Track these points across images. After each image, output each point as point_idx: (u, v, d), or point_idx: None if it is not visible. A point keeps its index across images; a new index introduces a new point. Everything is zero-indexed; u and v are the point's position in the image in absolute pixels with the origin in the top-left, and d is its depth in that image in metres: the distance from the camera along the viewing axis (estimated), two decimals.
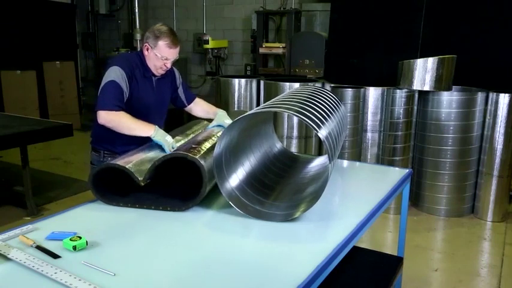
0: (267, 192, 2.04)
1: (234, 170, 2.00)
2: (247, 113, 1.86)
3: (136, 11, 8.04)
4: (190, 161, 1.90)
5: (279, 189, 2.11)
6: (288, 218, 1.80)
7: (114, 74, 2.36)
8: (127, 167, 1.92)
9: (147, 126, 2.33)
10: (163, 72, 2.53)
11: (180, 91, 2.78)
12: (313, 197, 1.84)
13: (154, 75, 2.55)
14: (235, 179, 1.97)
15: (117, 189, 1.99)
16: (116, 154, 2.39)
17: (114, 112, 2.32)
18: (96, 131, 2.60)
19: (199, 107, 2.84)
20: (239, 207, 1.85)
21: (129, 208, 1.93)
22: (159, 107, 2.63)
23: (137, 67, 2.48)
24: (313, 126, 1.75)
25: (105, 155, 2.58)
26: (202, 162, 1.89)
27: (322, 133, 1.77)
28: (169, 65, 2.50)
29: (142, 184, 1.92)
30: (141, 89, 2.49)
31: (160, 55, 2.43)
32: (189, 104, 2.83)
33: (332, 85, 4.60)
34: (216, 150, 1.85)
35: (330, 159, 1.76)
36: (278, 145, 2.60)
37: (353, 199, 2.12)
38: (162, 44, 2.41)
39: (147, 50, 2.47)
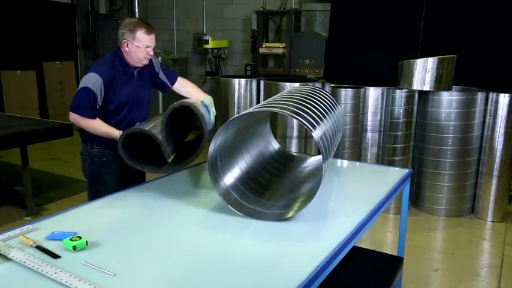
0: (263, 192, 2.04)
1: (230, 170, 2.00)
2: (243, 113, 1.87)
3: (137, 11, 8.04)
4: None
5: (275, 188, 2.12)
6: (283, 217, 1.80)
7: (91, 81, 2.47)
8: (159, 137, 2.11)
9: (110, 131, 2.52)
10: (147, 62, 2.62)
11: (162, 75, 2.84)
12: (308, 196, 1.85)
13: (136, 68, 2.64)
14: (230, 178, 1.97)
15: (137, 152, 2.16)
16: (98, 146, 2.64)
17: (84, 119, 2.50)
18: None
19: (183, 89, 2.90)
20: (235, 207, 1.85)
21: (129, 208, 1.93)
22: (140, 98, 2.73)
23: (116, 68, 2.57)
24: (307, 126, 1.76)
25: (91, 146, 2.68)
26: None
27: (317, 133, 1.78)
28: (152, 53, 2.59)
29: (169, 161, 2.16)
30: (123, 88, 2.59)
31: (142, 44, 2.53)
32: (173, 85, 2.89)
33: (332, 85, 4.59)
34: (211, 150, 1.85)
35: (324, 158, 1.76)
36: (274, 144, 2.60)
37: (353, 199, 2.12)
38: (140, 33, 2.52)
39: (127, 45, 2.56)
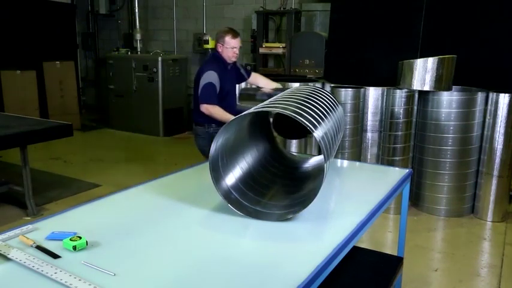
0: (264, 192, 2.04)
1: (231, 170, 2.00)
2: (244, 113, 1.87)
3: (136, 11, 8.04)
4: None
5: (276, 188, 2.12)
6: (284, 217, 1.80)
7: (212, 77, 3.44)
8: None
9: (228, 117, 3.38)
10: (235, 59, 3.63)
11: (242, 71, 3.89)
12: (309, 197, 1.84)
13: (230, 65, 3.64)
14: (231, 178, 1.97)
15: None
16: (215, 125, 3.53)
17: (212, 106, 3.44)
18: (201, 113, 3.53)
19: (259, 80, 3.93)
20: (236, 207, 1.85)
21: (129, 208, 1.93)
22: (234, 88, 3.78)
23: (220, 65, 3.56)
24: (309, 127, 1.76)
25: (208, 126, 3.60)
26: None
27: (318, 133, 1.78)
28: (237, 52, 3.60)
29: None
30: (225, 80, 3.56)
31: (230, 46, 3.54)
32: (249, 77, 3.91)
33: (332, 85, 4.59)
34: (212, 150, 1.85)
35: (326, 158, 1.76)
36: (275, 144, 2.60)
37: (353, 199, 2.12)
38: (227, 38, 3.53)
39: (220, 48, 3.58)
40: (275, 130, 2.73)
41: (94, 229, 1.69)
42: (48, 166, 5.77)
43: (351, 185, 2.41)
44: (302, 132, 2.81)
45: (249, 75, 3.93)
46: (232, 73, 3.74)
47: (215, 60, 3.62)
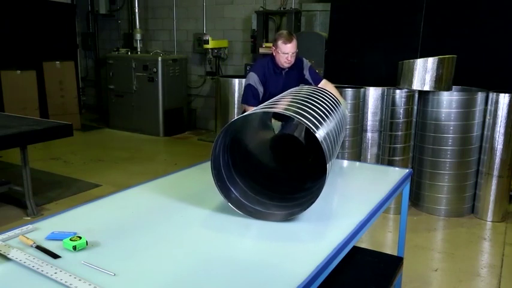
0: (266, 193, 2.03)
1: (232, 169, 2.00)
2: (245, 113, 1.87)
3: (137, 11, 8.04)
4: None
5: (278, 189, 2.11)
6: (287, 218, 1.80)
7: (251, 78, 3.38)
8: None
9: None
10: (288, 64, 3.37)
11: (308, 76, 3.57)
12: (311, 197, 1.84)
13: (284, 69, 3.42)
14: (232, 178, 1.97)
15: None
16: None
17: (250, 107, 3.32)
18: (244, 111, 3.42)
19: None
20: (237, 207, 1.85)
21: (129, 208, 1.93)
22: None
23: (268, 68, 3.42)
24: (310, 127, 1.76)
25: None
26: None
27: (320, 134, 1.77)
28: (290, 58, 3.32)
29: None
30: (272, 83, 3.41)
31: (281, 51, 3.30)
32: (316, 86, 3.56)
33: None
34: (213, 150, 1.85)
35: (327, 160, 1.76)
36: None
37: (353, 199, 2.12)
38: (280, 43, 3.30)
39: (274, 51, 3.38)
40: (271, 150, 2.48)
41: (94, 229, 1.69)
42: (48, 166, 5.77)
43: (351, 185, 2.41)
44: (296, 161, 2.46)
45: (317, 84, 3.59)
46: (289, 78, 3.47)
47: (266, 61, 3.46)
